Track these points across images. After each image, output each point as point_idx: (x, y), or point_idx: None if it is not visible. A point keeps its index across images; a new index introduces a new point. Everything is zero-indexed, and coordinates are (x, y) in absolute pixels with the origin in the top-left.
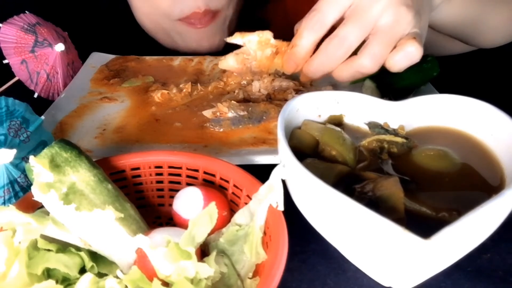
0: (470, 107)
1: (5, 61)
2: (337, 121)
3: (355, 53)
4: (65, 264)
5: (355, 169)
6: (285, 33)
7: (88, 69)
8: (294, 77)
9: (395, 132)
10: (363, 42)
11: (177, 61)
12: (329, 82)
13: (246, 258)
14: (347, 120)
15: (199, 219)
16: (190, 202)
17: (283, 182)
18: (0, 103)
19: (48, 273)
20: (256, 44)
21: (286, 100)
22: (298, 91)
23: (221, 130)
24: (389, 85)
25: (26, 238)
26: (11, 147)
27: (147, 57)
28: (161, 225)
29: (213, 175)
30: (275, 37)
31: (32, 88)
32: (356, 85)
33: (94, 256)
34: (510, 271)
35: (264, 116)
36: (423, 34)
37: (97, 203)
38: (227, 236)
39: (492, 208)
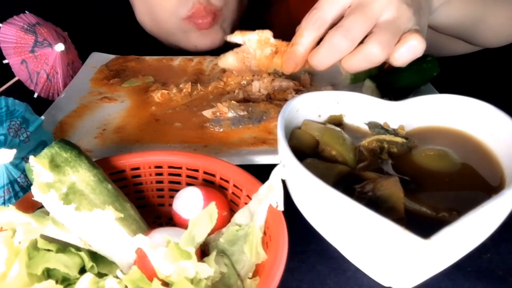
0: (470, 107)
1: (5, 61)
2: (337, 121)
3: None
4: (65, 264)
5: (355, 169)
6: (288, 35)
7: (88, 69)
8: (294, 77)
9: (395, 132)
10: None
11: (177, 61)
12: (329, 82)
13: (246, 258)
14: (347, 120)
15: (199, 219)
16: (190, 202)
17: (283, 182)
18: (0, 103)
19: (48, 273)
20: (255, 43)
21: (286, 100)
22: (298, 91)
23: (221, 130)
24: (389, 85)
25: (26, 238)
26: (11, 147)
27: (147, 57)
28: (161, 225)
29: (213, 175)
30: (279, 38)
31: (32, 88)
32: (356, 85)
33: (94, 256)
34: (510, 271)
35: (264, 116)
36: (423, 33)
37: (97, 203)
38: (227, 236)
39: (492, 208)
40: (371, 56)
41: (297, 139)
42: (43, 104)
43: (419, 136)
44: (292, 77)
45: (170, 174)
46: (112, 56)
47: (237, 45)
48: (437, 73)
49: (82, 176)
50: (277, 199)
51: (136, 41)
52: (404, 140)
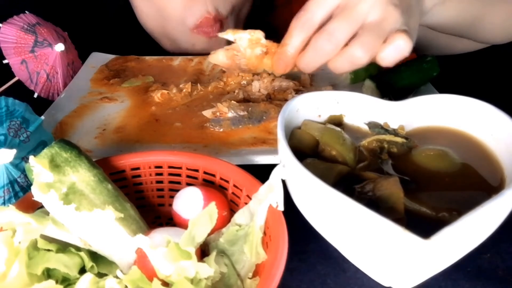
0: (470, 107)
1: (5, 61)
2: (337, 121)
3: None
4: (65, 264)
5: (355, 169)
6: None
7: (88, 69)
8: (294, 77)
9: (395, 132)
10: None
11: (177, 61)
12: (329, 82)
13: (246, 258)
14: (347, 120)
15: (199, 219)
16: (190, 202)
17: (283, 182)
18: (0, 103)
19: (48, 273)
20: (246, 42)
21: (286, 100)
22: (298, 91)
23: (221, 130)
24: (389, 85)
25: (26, 238)
26: (11, 147)
27: (147, 57)
28: (161, 225)
29: (213, 175)
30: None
31: (32, 88)
32: (356, 85)
33: (94, 256)
34: (510, 271)
35: (264, 116)
36: (412, 33)
37: (97, 203)
38: (227, 236)
39: (492, 208)
40: (355, 58)
41: (297, 139)
42: (43, 104)
43: (419, 136)
44: (292, 77)
45: (170, 174)
46: (112, 56)
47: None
48: (437, 73)
49: (82, 176)
50: (277, 199)
51: (136, 41)
52: (404, 140)
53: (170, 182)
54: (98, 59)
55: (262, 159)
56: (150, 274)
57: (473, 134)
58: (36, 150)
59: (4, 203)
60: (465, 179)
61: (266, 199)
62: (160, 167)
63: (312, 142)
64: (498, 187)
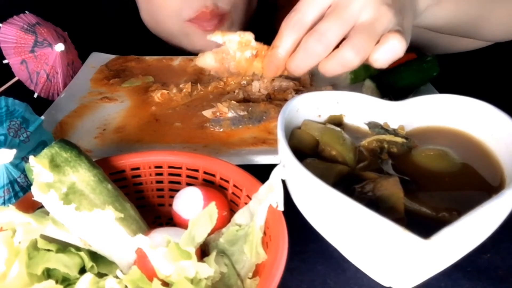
0: (470, 107)
1: (5, 61)
2: (337, 121)
3: None
4: (65, 264)
5: (355, 169)
6: None
7: (88, 69)
8: (294, 77)
9: (395, 132)
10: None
11: (177, 61)
12: (329, 82)
13: (246, 258)
14: (347, 120)
15: (199, 219)
16: (190, 202)
17: (283, 182)
18: (0, 103)
19: (48, 273)
20: (236, 44)
21: (286, 100)
22: (298, 91)
23: (221, 130)
24: (389, 85)
25: (26, 238)
26: (11, 147)
27: (147, 57)
28: (161, 225)
29: (213, 175)
30: None
31: (32, 88)
32: (356, 85)
33: (94, 256)
34: (510, 271)
35: (264, 116)
36: (406, 34)
37: (97, 203)
38: (227, 236)
39: (492, 208)
40: (346, 61)
41: (297, 139)
42: (43, 104)
43: (419, 136)
44: (292, 77)
45: (170, 174)
46: (112, 56)
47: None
48: (437, 73)
49: (82, 176)
50: (277, 199)
51: (136, 41)
52: (404, 140)
53: (170, 182)
54: (98, 59)
55: (262, 159)
56: (150, 274)
57: (473, 134)
58: (36, 150)
59: (4, 203)
60: (465, 179)
61: (266, 199)
62: (160, 167)
63: (312, 142)
64: (498, 187)
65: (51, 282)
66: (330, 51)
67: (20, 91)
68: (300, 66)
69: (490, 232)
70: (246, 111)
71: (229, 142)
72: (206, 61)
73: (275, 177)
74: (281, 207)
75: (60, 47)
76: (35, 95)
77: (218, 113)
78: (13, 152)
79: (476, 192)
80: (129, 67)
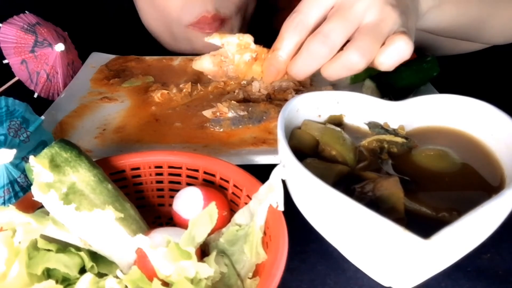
0: (470, 107)
1: (5, 61)
2: (337, 121)
3: None
4: (65, 264)
5: (355, 169)
6: None
7: (88, 69)
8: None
9: (395, 132)
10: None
11: (177, 61)
12: (329, 82)
13: (246, 258)
14: (347, 120)
15: (199, 219)
16: (190, 202)
17: (283, 182)
18: (0, 103)
19: (48, 273)
20: (235, 47)
21: (286, 100)
22: (298, 91)
23: (221, 130)
24: (389, 85)
25: (26, 238)
26: (11, 147)
27: (147, 57)
28: (161, 225)
29: (213, 175)
30: None
31: (32, 88)
32: (356, 85)
33: (94, 256)
34: (510, 271)
35: (264, 116)
36: (411, 35)
37: (97, 203)
38: (227, 236)
39: (492, 208)
40: (351, 64)
41: (297, 139)
42: (43, 104)
43: (419, 136)
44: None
45: (170, 174)
46: (112, 56)
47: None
48: (437, 73)
49: (82, 176)
50: (277, 199)
51: (136, 41)
52: (404, 140)
53: (170, 182)
54: (98, 59)
55: (262, 159)
56: (150, 274)
57: (473, 134)
58: (36, 150)
59: (4, 203)
60: (465, 179)
61: (266, 199)
62: (160, 167)
63: (312, 142)
64: (498, 187)
65: (51, 282)
66: (334, 54)
67: (20, 91)
68: (302, 70)
69: (490, 232)
70: (246, 111)
71: (229, 142)
72: (204, 64)
73: (275, 177)
74: (281, 207)
75: (60, 47)
76: (35, 95)
77: (218, 113)
78: (13, 152)
79: (476, 192)
80: (129, 67)
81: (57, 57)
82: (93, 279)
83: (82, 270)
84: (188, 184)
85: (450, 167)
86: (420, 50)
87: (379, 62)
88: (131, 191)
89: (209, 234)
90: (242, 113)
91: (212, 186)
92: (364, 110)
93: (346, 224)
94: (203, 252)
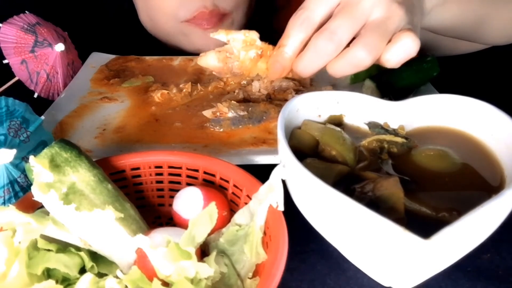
0: (470, 107)
1: (5, 61)
2: (337, 121)
3: None
4: (65, 264)
5: (355, 169)
6: None
7: (88, 69)
8: (298, 78)
9: (395, 132)
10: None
11: (177, 61)
12: (329, 82)
13: (246, 258)
14: (347, 120)
15: (199, 219)
16: (190, 202)
17: (283, 182)
18: (0, 103)
19: (48, 273)
20: (240, 43)
21: (286, 100)
22: (298, 91)
23: (221, 130)
24: (389, 85)
25: (26, 238)
26: (11, 147)
27: (147, 57)
28: (161, 225)
29: (213, 175)
30: None
31: (32, 88)
32: (356, 85)
33: (94, 256)
34: (510, 271)
35: (264, 116)
36: (417, 33)
37: (97, 203)
38: (227, 236)
39: (492, 208)
40: (357, 60)
41: (297, 139)
42: (43, 104)
43: (419, 136)
44: (295, 78)
45: (170, 174)
46: (112, 56)
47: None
48: (437, 73)
49: (82, 176)
50: (277, 199)
51: (136, 41)
52: (404, 140)
53: (170, 182)
54: (98, 59)
55: (262, 159)
56: (150, 274)
57: (473, 134)
58: (36, 150)
59: (4, 203)
60: (465, 179)
61: (266, 199)
62: (160, 167)
63: (312, 142)
64: (498, 187)
65: (51, 282)
66: (341, 51)
67: (20, 91)
68: (308, 67)
69: (490, 232)
70: (246, 111)
71: (229, 142)
72: (209, 60)
73: (275, 177)
74: (281, 207)
75: (60, 47)
76: (35, 95)
77: (218, 113)
78: (13, 152)
79: (476, 192)
80: (129, 67)
81: (57, 57)
82: (93, 279)
83: (82, 270)
84: (188, 184)
85: (450, 167)
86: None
87: (386, 59)
88: (131, 191)
89: (209, 234)
90: (242, 113)
91: (212, 186)
92: (364, 110)
93: (346, 224)
94: (203, 252)
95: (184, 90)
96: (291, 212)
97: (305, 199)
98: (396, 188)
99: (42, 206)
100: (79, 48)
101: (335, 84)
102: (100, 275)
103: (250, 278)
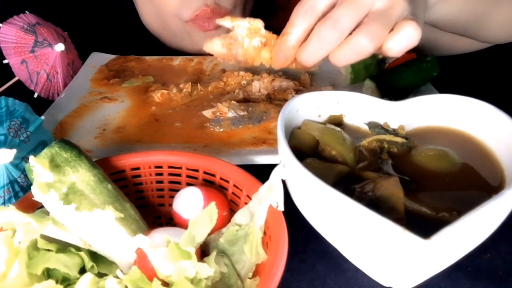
0: (470, 107)
1: (5, 61)
2: (337, 121)
3: None
4: (65, 264)
5: (355, 169)
6: None
7: (88, 69)
8: (294, 77)
9: (395, 132)
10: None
11: (177, 61)
12: (329, 82)
13: (246, 258)
14: (347, 120)
15: (199, 219)
16: (190, 202)
17: (283, 182)
18: (0, 103)
19: (48, 273)
20: (245, 31)
21: (286, 100)
22: (298, 91)
23: (221, 130)
24: (389, 85)
25: (26, 238)
26: (11, 147)
27: (147, 57)
28: (161, 225)
29: (213, 175)
30: None
31: (32, 88)
32: (356, 85)
33: (94, 256)
34: (510, 271)
35: (264, 116)
36: (420, 24)
37: (97, 203)
38: (227, 236)
39: (492, 208)
40: (359, 47)
41: (297, 139)
42: (43, 104)
43: (419, 136)
44: (292, 77)
45: (170, 174)
46: (112, 56)
47: None
48: (437, 73)
49: (82, 176)
50: (277, 199)
51: (136, 41)
52: (404, 140)
53: (170, 182)
54: (98, 59)
55: (262, 159)
56: (150, 274)
57: (473, 134)
58: (36, 150)
59: (4, 203)
60: (465, 179)
61: (266, 199)
62: (160, 167)
63: (312, 142)
64: (498, 187)
65: (51, 282)
66: (343, 39)
67: (20, 91)
68: (312, 56)
69: (490, 232)
70: (246, 111)
71: (229, 142)
72: (214, 46)
73: (275, 177)
74: (281, 207)
75: (60, 47)
76: (35, 95)
77: (218, 113)
78: (13, 152)
79: (476, 192)
80: (129, 67)
81: (57, 57)
82: (93, 279)
83: (82, 270)
84: (188, 184)
85: (450, 167)
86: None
87: (388, 48)
88: (131, 191)
89: (209, 234)
90: (242, 113)
91: (212, 186)
92: (364, 110)
93: (346, 224)
94: (203, 252)
95: (184, 90)
96: (291, 212)
97: (305, 199)
98: (396, 188)
99: (42, 206)
100: (79, 48)
101: (335, 84)
102: (100, 275)
103: (250, 278)
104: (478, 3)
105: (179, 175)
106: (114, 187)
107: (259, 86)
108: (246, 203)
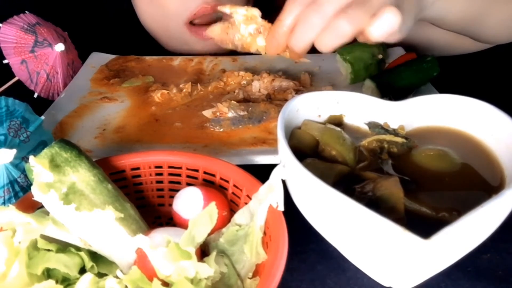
0: (470, 107)
1: (5, 61)
2: (337, 121)
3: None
4: (65, 264)
5: (355, 169)
6: None
7: (88, 69)
8: (294, 77)
9: (395, 132)
10: None
11: (177, 61)
12: (329, 82)
13: (246, 258)
14: (347, 120)
15: (199, 219)
16: (190, 202)
17: (283, 182)
18: (0, 103)
19: (48, 273)
20: (242, 17)
21: (286, 100)
22: (298, 91)
23: (221, 130)
24: (389, 85)
25: (26, 238)
26: (11, 147)
27: (147, 57)
28: (161, 225)
29: (213, 175)
30: None
31: (32, 88)
32: (356, 85)
33: (94, 256)
34: (510, 271)
35: (264, 116)
36: (405, 14)
37: (97, 203)
38: (227, 236)
39: (492, 208)
40: (340, 30)
41: (297, 139)
42: (43, 104)
43: (419, 136)
44: (292, 77)
45: (170, 174)
46: (112, 56)
47: None
48: (437, 73)
49: (82, 176)
50: (277, 199)
51: (136, 41)
52: (404, 140)
53: (170, 182)
54: (98, 59)
55: (262, 159)
56: (150, 274)
57: (473, 134)
58: (36, 150)
59: (4, 203)
60: (465, 179)
61: (266, 199)
62: (160, 167)
63: (312, 142)
64: (498, 187)
65: (51, 282)
66: (327, 23)
67: (20, 91)
68: (299, 40)
69: (490, 232)
70: (246, 111)
71: (229, 142)
72: (215, 30)
73: (275, 177)
74: (281, 207)
75: (60, 47)
76: (35, 95)
77: (218, 113)
78: (13, 152)
79: (476, 192)
80: (129, 67)
81: (57, 57)
82: (93, 279)
83: (82, 270)
84: (188, 184)
85: (450, 167)
86: (417, 51)
87: (368, 32)
88: (131, 191)
89: (209, 234)
90: (242, 113)
91: (212, 186)
92: (364, 110)
93: (346, 224)
94: (203, 252)
95: (184, 90)
96: (291, 212)
97: (305, 199)
98: (396, 188)
99: (42, 206)
100: (79, 48)
101: (335, 84)
102: (100, 275)
103: (250, 278)
104: (477, 2)
105: (179, 175)
106: (114, 187)
107: (259, 86)
108: (246, 203)
